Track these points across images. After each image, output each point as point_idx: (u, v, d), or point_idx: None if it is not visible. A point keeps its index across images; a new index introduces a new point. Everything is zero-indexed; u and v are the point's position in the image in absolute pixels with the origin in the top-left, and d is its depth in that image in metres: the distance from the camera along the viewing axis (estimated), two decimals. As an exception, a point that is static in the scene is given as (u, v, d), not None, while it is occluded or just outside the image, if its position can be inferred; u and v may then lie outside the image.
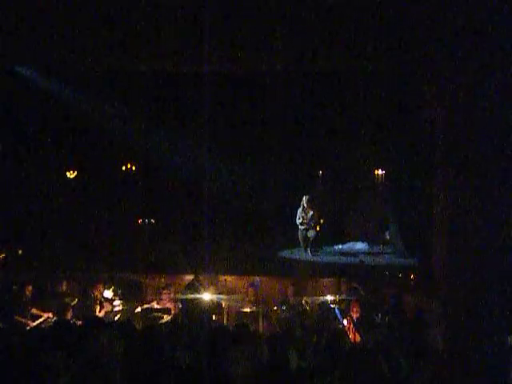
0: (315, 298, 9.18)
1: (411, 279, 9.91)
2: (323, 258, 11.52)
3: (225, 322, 9.07)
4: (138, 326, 7.67)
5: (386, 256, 11.56)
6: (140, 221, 12.90)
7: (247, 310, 9.12)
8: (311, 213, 11.52)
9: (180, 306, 9.06)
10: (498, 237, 7.59)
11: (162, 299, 9.06)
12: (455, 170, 7.92)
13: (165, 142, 11.96)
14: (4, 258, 10.48)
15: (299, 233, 11.65)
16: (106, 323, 5.80)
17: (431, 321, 7.94)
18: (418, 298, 8.91)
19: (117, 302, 9.09)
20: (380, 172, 12.97)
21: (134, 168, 12.95)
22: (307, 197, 11.63)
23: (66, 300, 8.75)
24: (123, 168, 12.90)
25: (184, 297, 9.12)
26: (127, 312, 8.89)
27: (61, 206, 11.82)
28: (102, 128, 11.52)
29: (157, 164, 12.20)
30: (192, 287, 9.29)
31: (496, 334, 6.32)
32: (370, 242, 12.38)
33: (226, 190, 11.76)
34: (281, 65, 8.94)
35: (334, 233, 12.70)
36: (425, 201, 9.67)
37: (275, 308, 9.16)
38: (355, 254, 11.68)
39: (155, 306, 8.98)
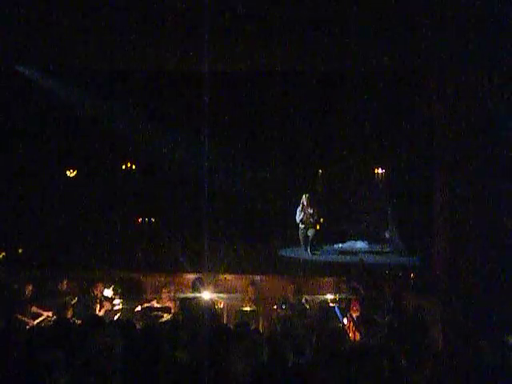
0: (315, 296, 9.18)
1: (411, 279, 9.91)
2: (323, 256, 11.52)
3: (225, 320, 9.08)
4: (138, 324, 7.67)
5: (386, 255, 11.57)
6: (140, 220, 12.90)
7: (247, 308, 9.13)
8: (311, 211, 11.52)
9: (180, 304, 9.06)
10: (498, 236, 7.61)
11: (161, 298, 9.06)
12: (455, 170, 7.94)
13: (165, 141, 11.96)
14: (4, 258, 10.49)
15: (299, 232, 11.65)
16: (105, 322, 5.81)
17: (431, 320, 7.95)
18: (417, 298, 8.91)
19: (117, 301, 9.09)
20: (380, 171, 12.98)
21: (134, 167, 12.95)
22: (307, 195, 11.63)
23: (66, 299, 8.75)
24: (123, 167, 12.90)
25: (184, 295, 9.12)
26: (127, 311, 8.89)
27: (61, 204, 11.81)
28: (102, 127, 11.53)
29: (157, 163, 12.20)
30: (194, 286, 9.29)
31: (496, 334, 6.32)
32: (370, 241, 12.39)
33: (226, 189, 11.76)
34: (281, 65, 8.95)
35: (334, 232, 12.70)
36: (425, 200, 9.68)
37: (275, 307, 9.17)
38: (355, 252, 11.68)
39: (155, 304, 8.99)
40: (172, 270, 10.40)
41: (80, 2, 7.36)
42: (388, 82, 10.12)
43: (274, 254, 11.42)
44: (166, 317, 8.59)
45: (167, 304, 8.95)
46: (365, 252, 11.76)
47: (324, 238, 12.19)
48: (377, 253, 11.78)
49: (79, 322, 7.23)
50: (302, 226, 11.59)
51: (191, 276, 9.75)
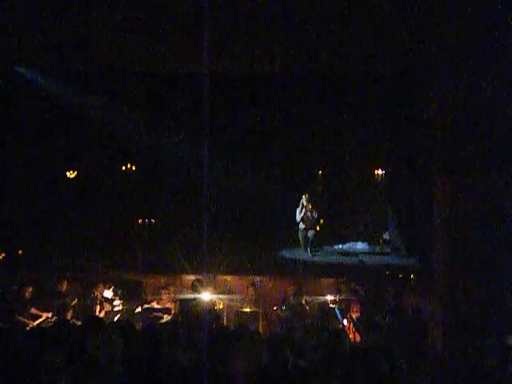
0: (315, 297, 9.18)
1: (411, 279, 9.91)
2: (323, 257, 11.51)
3: (225, 321, 9.07)
4: (138, 325, 7.67)
5: (386, 256, 11.55)
6: (140, 221, 12.89)
7: (247, 309, 9.13)
8: (310, 212, 11.52)
9: (180, 305, 9.06)
10: (498, 236, 7.60)
11: (162, 299, 9.06)
12: (455, 170, 7.93)
13: (165, 141, 11.95)
14: (4, 258, 10.48)
15: (299, 232, 11.64)
16: (105, 323, 5.80)
17: (431, 320, 7.94)
18: (417, 298, 8.91)
19: (117, 302, 9.09)
20: (380, 172, 12.96)
21: (133, 168, 12.94)
22: (307, 196, 11.62)
23: (66, 300, 8.75)
24: (123, 168, 12.89)
25: (184, 297, 9.12)
26: (127, 312, 8.88)
27: (61, 205, 11.81)
28: (102, 128, 11.51)
29: (157, 164, 12.19)
30: (194, 287, 9.29)
31: (495, 334, 6.32)
32: (370, 242, 12.37)
33: (225, 190, 11.75)
34: (281, 65, 8.94)
35: (333, 233, 12.69)
36: (424, 201, 9.67)
37: (275, 308, 9.17)
38: (355, 253, 11.67)
39: (155, 305, 8.99)
40: (172, 271, 10.39)
41: (80, 2, 7.37)
42: (388, 82, 10.11)
43: (273, 255, 11.41)
44: (166, 318, 8.59)
45: (167, 305, 8.95)
46: (365, 253, 11.75)
47: (324, 238, 12.17)
48: (377, 254, 11.76)
49: (79, 323, 7.22)
50: (301, 227, 11.58)
51: (191, 277, 9.75)
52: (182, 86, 10.54)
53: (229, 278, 10.01)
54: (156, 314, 8.70)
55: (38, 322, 8.26)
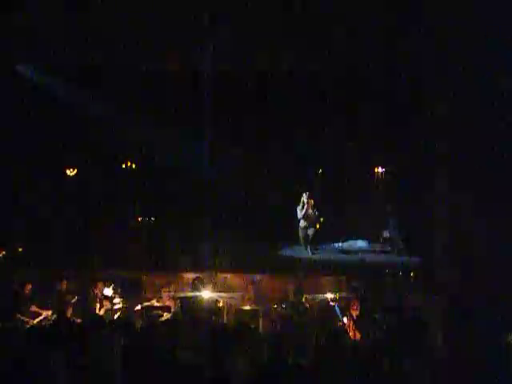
0: (315, 295, 9.17)
1: (411, 277, 9.91)
2: (323, 255, 11.52)
3: (225, 319, 9.08)
4: (138, 323, 7.68)
5: (386, 254, 11.55)
6: (140, 219, 12.89)
7: (247, 307, 9.13)
8: (311, 210, 11.52)
9: (180, 303, 9.06)
10: (498, 236, 7.60)
11: (161, 297, 9.06)
12: (455, 170, 7.94)
13: (165, 139, 11.94)
14: (4, 258, 10.48)
15: (299, 231, 11.64)
16: (105, 321, 5.80)
17: (431, 320, 7.94)
18: (417, 297, 8.91)
19: (117, 300, 9.09)
20: (380, 170, 12.95)
21: (133, 166, 12.93)
22: (307, 194, 11.62)
23: (66, 298, 8.75)
24: (123, 166, 12.88)
25: (184, 295, 9.12)
26: (127, 310, 8.89)
27: (61, 204, 11.80)
28: (102, 126, 11.50)
29: (157, 162, 12.19)
30: (194, 285, 9.30)
31: (496, 333, 6.32)
32: (370, 240, 12.37)
33: (226, 188, 11.74)
34: (283, 65, 8.95)
35: (334, 231, 12.68)
36: (425, 200, 9.67)
37: (275, 306, 9.17)
38: (355, 252, 11.67)
39: (155, 303, 8.99)
40: (172, 269, 10.39)
41: (80, 2, 7.36)
42: (389, 82, 10.11)
43: (273, 253, 11.41)
44: (166, 316, 8.58)
45: (167, 303, 8.95)
46: (365, 251, 11.75)
47: (324, 237, 12.17)
48: (377, 252, 11.76)
49: (79, 321, 7.22)
50: (302, 225, 11.58)
51: (191, 275, 9.75)
52: (183, 84, 10.54)
53: (229, 275, 10.01)
54: (156, 312, 8.70)
55: (37, 320, 8.26)
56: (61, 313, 8.01)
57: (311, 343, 5.70)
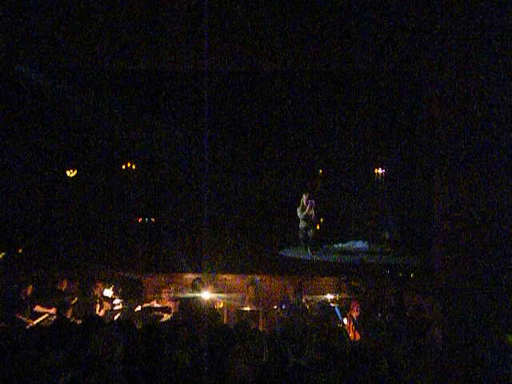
0: (315, 296, 9.17)
1: (411, 279, 9.91)
2: (323, 256, 11.52)
3: (225, 320, 9.07)
4: (138, 324, 7.67)
5: (386, 255, 11.56)
6: (140, 220, 12.89)
7: (247, 308, 9.12)
8: (311, 211, 11.52)
9: (180, 304, 9.05)
10: (498, 234, 7.60)
11: (162, 298, 9.06)
12: (455, 170, 7.94)
13: (165, 140, 11.95)
14: (4, 258, 10.48)
15: (299, 232, 11.65)
16: (105, 322, 5.80)
17: (431, 320, 7.94)
18: (417, 298, 8.91)
19: (117, 301, 9.09)
20: (380, 171, 12.96)
21: (134, 167, 12.94)
22: (307, 195, 11.63)
23: (66, 299, 8.75)
24: (123, 167, 12.89)
25: (184, 295, 9.12)
26: (127, 311, 8.88)
27: (61, 205, 11.81)
28: (102, 127, 11.52)
29: (157, 163, 12.20)
30: (194, 286, 9.29)
31: (496, 333, 6.32)
32: (370, 241, 12.37)
33: (226, 190, 11.75)
34: (281, 65, 8.94)
35: (334, 231, 12.69)
36: (425, 199, 9.67)
37: (275, 307, 9.16)
38: (355, 252, 11.68)
39: (155, 304, 8.98)
40: (172, 270, 10.39)
41: (81, 2, 7.37)
42: (388, 82, 10.11)
43: (274, 254, 11.41)
44: (166, 317, 8.58)
45: (167, 304, 8.94)
46: (365, 252, 11.76)
47: (324, 237, 12.18)
48: (377, 253, 11.77)
49: (79, 321, 7.22)
50: (302, 225, 11.58)
51: (191, 276, 9.75)
52: (183, 84, 10.55)
53: (229, 276, 10.01)
54: (156, 312, 8.69)
55: (38, 320, 8.26)
56: (61, 314, 8.03)
57: (311, 344, 5.68)
